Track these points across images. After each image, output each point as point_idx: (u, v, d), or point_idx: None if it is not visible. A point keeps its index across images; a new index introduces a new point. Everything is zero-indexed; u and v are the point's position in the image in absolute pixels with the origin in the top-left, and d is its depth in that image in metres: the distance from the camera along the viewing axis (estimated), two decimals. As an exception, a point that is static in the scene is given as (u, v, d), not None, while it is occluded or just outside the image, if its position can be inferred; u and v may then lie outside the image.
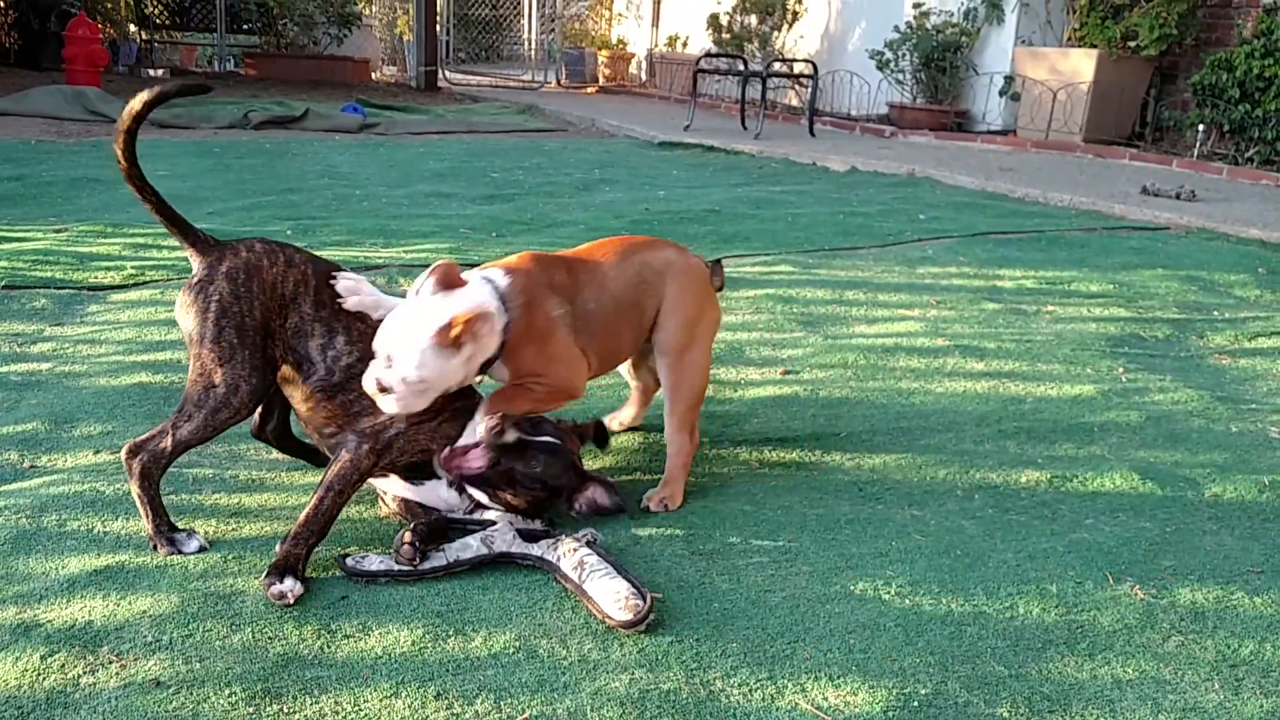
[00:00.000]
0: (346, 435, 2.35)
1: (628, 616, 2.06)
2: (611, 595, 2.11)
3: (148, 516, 2.30)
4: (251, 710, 1.80)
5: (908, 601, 2.22)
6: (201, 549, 2.29)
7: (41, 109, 9.76)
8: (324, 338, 2.38)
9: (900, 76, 11.48)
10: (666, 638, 2.05)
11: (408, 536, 2.24)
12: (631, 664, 1.97)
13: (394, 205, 6.33)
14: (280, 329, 2.35)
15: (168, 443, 2.29)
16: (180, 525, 2.35)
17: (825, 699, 1.89)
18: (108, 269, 4.49)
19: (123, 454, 2.32)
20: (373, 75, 16.38)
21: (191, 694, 1.83)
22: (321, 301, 2.39)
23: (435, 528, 2.34)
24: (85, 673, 1.88)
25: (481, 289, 2.40)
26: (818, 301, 4.51)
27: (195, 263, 2.41)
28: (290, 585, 2.13)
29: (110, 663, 1.91)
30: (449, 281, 2.38)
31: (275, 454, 2.77)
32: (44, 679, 1.86)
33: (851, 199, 7.11)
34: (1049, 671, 2.00)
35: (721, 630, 2.09)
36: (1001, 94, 10.94)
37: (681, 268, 2.71)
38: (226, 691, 1.84)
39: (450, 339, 2.25)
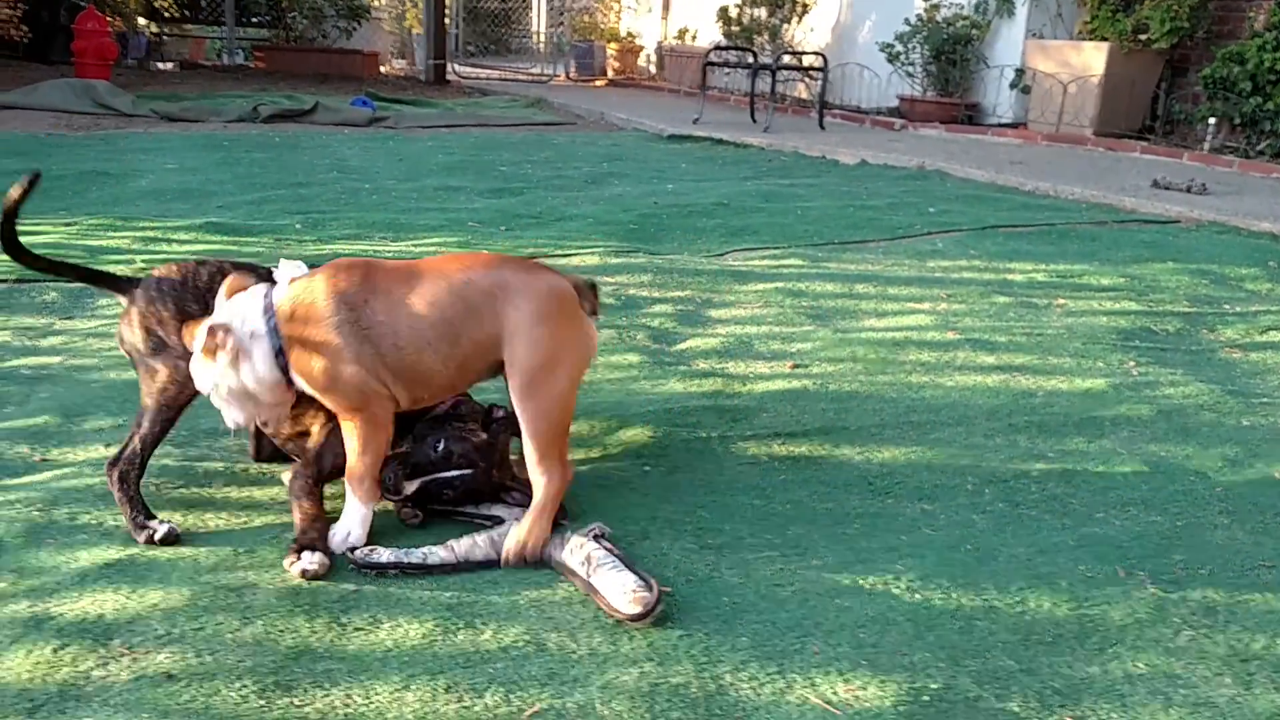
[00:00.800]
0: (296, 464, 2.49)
1: (636, 610, 2.06)
2: (619, 589, 2.11)
3: (125, 512, 2.36)
4: (263, 702, 1.81)
5: (918, 596, 2.21)
6: (170, 535, 2.31)
7: (51, 102, 9.77)
8: None
9: (911, 69, 11.44)
10: (676, 631, 2.05)
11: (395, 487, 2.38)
12: (641, 658, 1.97)
13: (403, 199, 6.33)
14: None
15: (135, 444, 2.41)
16: (160, 518, 2.37)
17: (835, 693, 1.89)
18: (117, 262, 4.50)
19: (105, 470, 2.43)
20: (382, 68, 16.38)
21: (203, 686, 1.84)
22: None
23: (416, 461, 2.41)
24: (97, 665, 1.89)
25: (251, 298, 2.35)
26: (827, 295, 4.50)
27: (123, 299, 2.50)
28: (311, 558, 2.20)
29: (122, 655, 1.92)
30: (233, 292, 2.38)
31: None
32: (56, 671, 1.87)
33: (861, 192, 7.09)
34: (1060, 666, 2.00)
35: (731, 624, 2.09)
36: (1012, 87, 10.90)
37: (525, 291, 2.34)
38: (238, 684, 1.85)
39: (201, 349, 2.28)
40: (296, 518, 2.34)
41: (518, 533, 2.31)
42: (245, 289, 2.37)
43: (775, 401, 3.25)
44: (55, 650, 1.92)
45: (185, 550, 2.27)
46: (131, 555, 2.24)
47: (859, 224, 5.99)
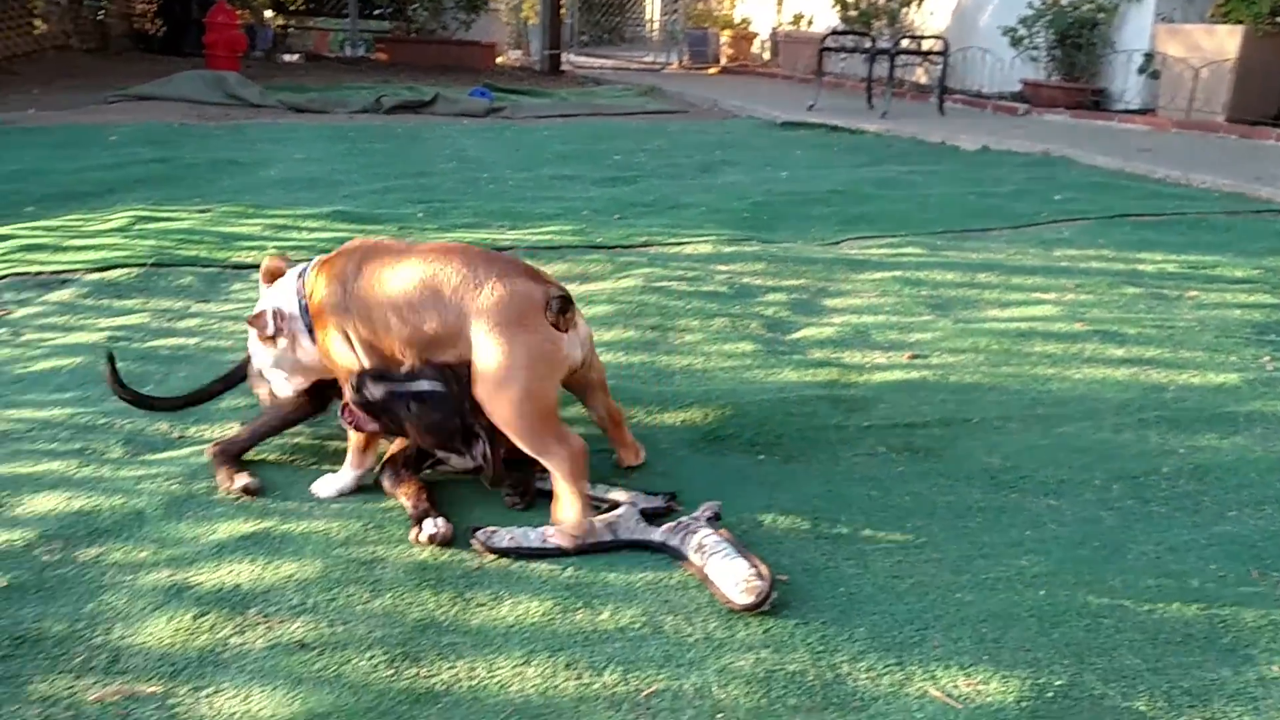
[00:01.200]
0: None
1: (749, 600, 2.07)
2: (732, 578, 2.12)
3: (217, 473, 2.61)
4: (391, 672, 1.87)
5: (1042, 592, 2.17)
6: (250, 486, 2.51)
7: (184, 93, 10.16)
8: None
9: (1034, 53, 11.13)
10: (791, 620, 2.05)
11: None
12: (757, 644, 1.98)
13: (519, 188, 6.42)
14: None
15: (244, 431, 2.73)
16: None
17: (956, 687, 1.87)
18: (250, 248, 4.67)
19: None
20: (498, 59, 16.62)
21: (335, 656, 1.91)
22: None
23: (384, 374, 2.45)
24: (234, 633, 1.98)
25: (289, 281, 2.60)
26: (947, 284, 4.42)
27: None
28: (433, 524, 2.32)
29: (258, 624, 2.00)
30: (272, 275, 2.64)
31: None
32: (195, 638, 1.96)
33: (983, 179, 6.93)
34: (1189, 666, 1.94)
35: (848, 615, 2.08)
36: (1140, 72, 10.51)
37: (491, 292, 2.34)
38: (368, 654, 1.91)
39: (262, 337, 2.58)
40: (403, 502, 2.44)
41: (560, 519, 2.31)
42: (283, 272, 2.63)
43: (893, 392, 3.21)
44: (195, 617, 2.01)
45: (318, 524, 2.36)
46: (266, 528, 2.33)
47: (981, 212, 5.86)
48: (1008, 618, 2.08)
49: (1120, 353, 3.59)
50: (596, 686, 1.85)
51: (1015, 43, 11.15)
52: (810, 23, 15.44)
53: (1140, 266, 4.78)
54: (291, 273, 2.61)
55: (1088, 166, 7.60)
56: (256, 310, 2.59)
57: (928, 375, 3.35)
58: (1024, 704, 1.82)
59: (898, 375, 3.36)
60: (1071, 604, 2.13)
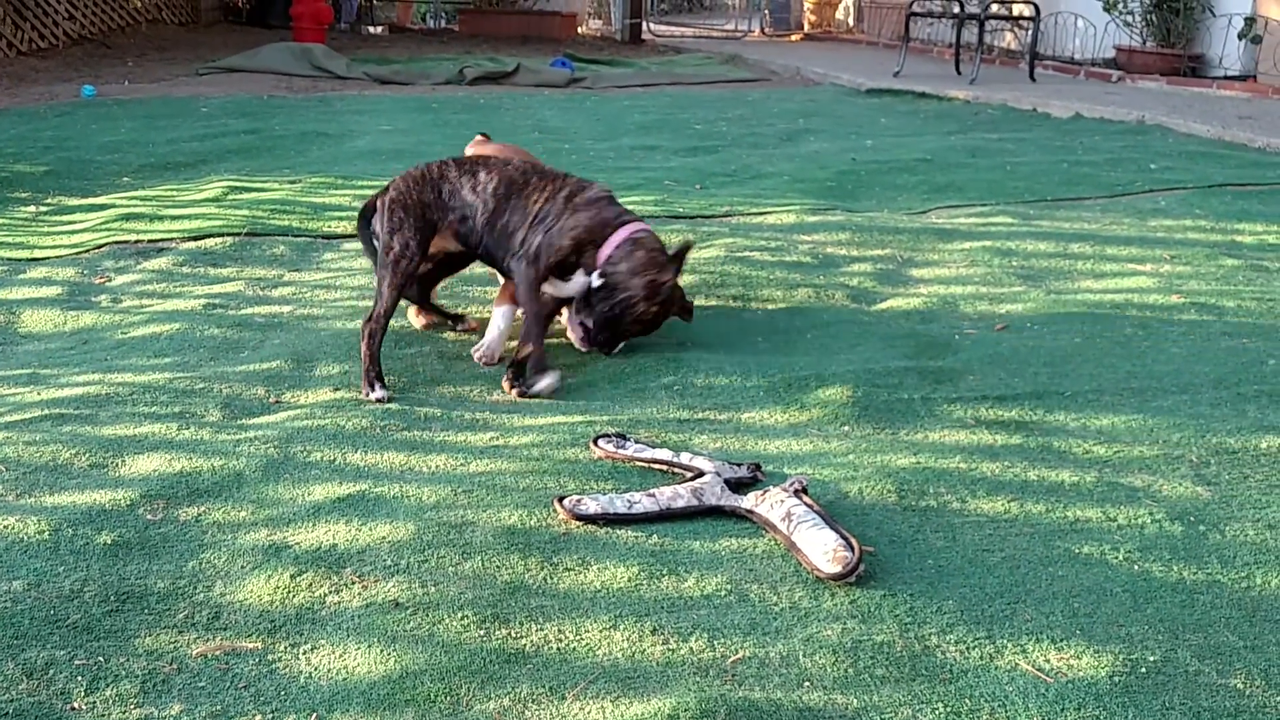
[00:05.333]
0: (509, 264, 3.18)
1: (836, 569, 2.06)
2: (820, 547, 2.11)
3: (364, 365, 2.99)
4: (482, 633, 1.90)
5: (1136, 567, 2.13)
6: (381, 399, 2.90)
7: (271, 65, 10.32)
8: (470, 181, 3.21)
9: (1129, 18, 10.77)
10: (879, 591, 2.04)
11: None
12: (844, 614, 1.97)
13: (600, 158, 6.42)
14: (436, 201, 3.20)
15: (380, 307, 3.08)
16: (385, 384, 2.96)
17: (1048, 661, 1.84)
18: (340, 218, 4.75)
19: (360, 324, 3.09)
20: (579, 29, 16.60)
21: (428, 616, 1.95)
22: (461, 168, 3.26)
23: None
24: (330, 592, 2.03)
25: None
26: (1039, 254, 4.32)
27: None
28: (549, 380, 2.93)
29: (353, 583, 2.05)
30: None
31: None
32: (293, 596, 2.02)
33: (1075, 147, 6.76)
34: (1291, 647, 1.89)
35: (936, 587, 2.06)
36: (1240, 37, 10.11)
37: None
38: (459, 615, 1.95)
39: None
40: (524, 325, 3.06)
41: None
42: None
43: (983, 364, 3.16)
44: (292, 576, 2.07)
45: (409, 488, 2.40)
46: (360, 491, 2.39)
47: (1074, 180, 5.72)
48: (1101, 592, 2.04)
49: (1218, 325, 3.49)
50: (683, 652, 1.87)
51: (1109, 7, 10.80)
52: (896, -12, 15.13)
53: (1239, 238, 4.63)
54: None
55: (1184, 135, 7.36)
56: None
57: (1019, 347, 3.29)
58: (1117, 679, 1.79)
59: (988, 347, 3.30)
60: (1166, 580, 2.09)
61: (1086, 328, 3.46)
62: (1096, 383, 3.03)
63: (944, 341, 3.37)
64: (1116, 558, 2.16)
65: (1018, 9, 11.26)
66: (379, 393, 2.93)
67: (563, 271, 3.13)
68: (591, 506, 2.30)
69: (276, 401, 2.94)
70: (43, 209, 5.00)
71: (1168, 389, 2.99)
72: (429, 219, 3.16)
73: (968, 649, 1.88)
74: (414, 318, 3.49)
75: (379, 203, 3.22)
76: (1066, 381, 3.04)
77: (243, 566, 2.11)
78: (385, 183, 3.34)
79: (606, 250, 3.12)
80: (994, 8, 11.40)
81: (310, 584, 2.05)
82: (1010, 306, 3.69)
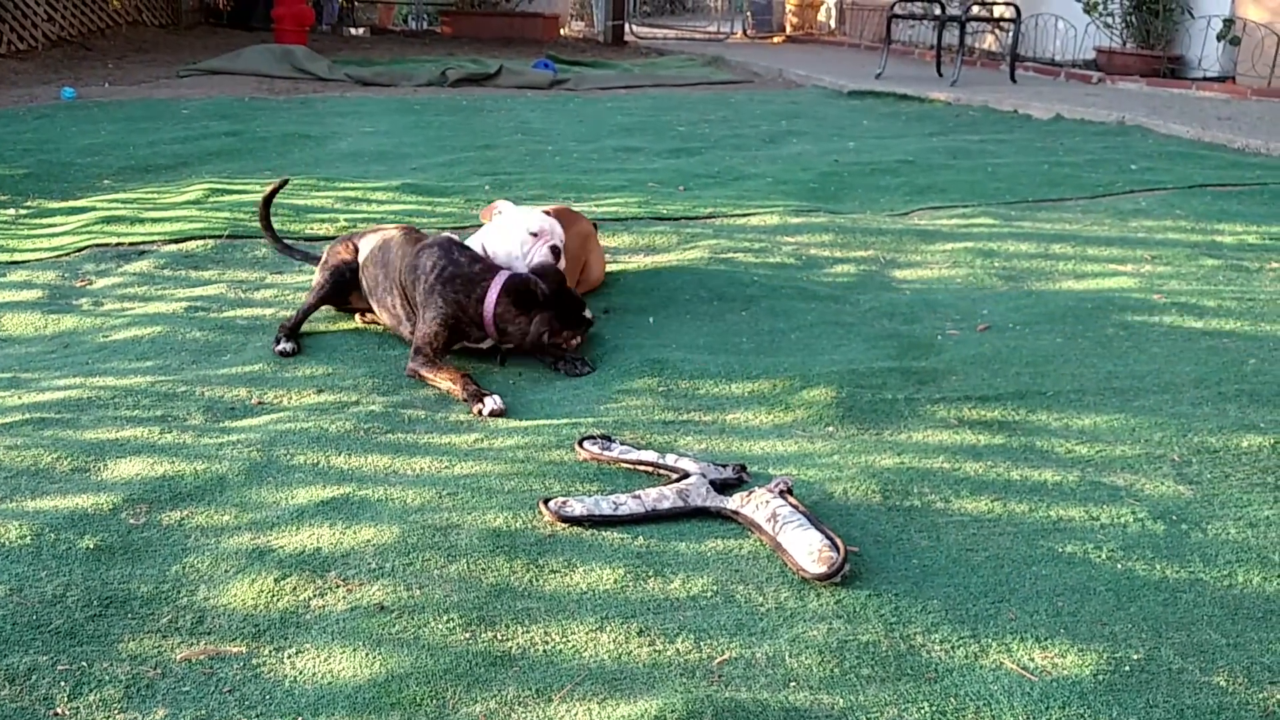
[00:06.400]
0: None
1: (821, 569, 2.07)
2: (805, 547, 2.12)
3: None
4: (468, 636, 1.90)
5: (1119, 566, 2.14)
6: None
7: (253, 67, 10.28)
8: None
9: (1109, 20, 10.85)
10: (864, 591, 2.05)
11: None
12: (829, 614, 1.98)
13: (584, 160, 6.42)
14: None
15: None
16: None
17: (1032, 660, 1.85)
18: (322, 220, 4.74)
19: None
20: (562, 31, 16.59)
21: (413, 619, 1.94)
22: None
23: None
24: (315, 595, 2.02)
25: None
26: (1021, 255, 4.35)
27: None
28: (493, 401, 2.87)
29: (338, 587, 2.04)
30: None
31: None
32: (278, 600, 2.01)
33: (1056, 148, 6.79)
34: (1271, 642, 1.91)
35: (921, 587, 2.07)
36: (1219, 38, 10.19)
37: None
38: (445, 618, 1.95)
39: None
40: (447, 385, 2.97)
41: None
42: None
43: (965, 365, 3.17)
44: (276, 580, 2.06)
45: (393, 491, 2.39)
46: (345, 494, 2.38)
47: (1055, 181, 5.75)
48: (1084, 591, 2.05)
49: (1199, 325, 3.51)
50: (669, 654, 1.87)
51: (1089, 9, 10.87)
52: (877, -10, 15.18)
53: (1219, 238, 4.66)
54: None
55: (1164, 135, 7.41)
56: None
57: (1001, 347, 3.31)
58: (1100, 677, 1.80)
59: (970, 348, 3.31)
60: (1149, 578, 2.10)
61: (1068, 328, 3.48)
62: (1078, 383, 3.05)
63: (927, 342, 3.38)
64: (1099, 557, 2.17)
65: (998, 11, 11.32)
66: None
67: None
68: (577, 508, 2.30)
69: (259, 403, 2.93)
70: (22, 212, 4.96)
71: (1149, 388, 3.01)
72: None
73: (953, 648, 1.88)
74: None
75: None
76: (1048, 381, 3.06)
77: (226, 570, 2.10)
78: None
79: None
80: (975, 10, 11.46)
81: (294, 588, 2.04)
82: (992, 307, 3.70)
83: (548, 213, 3.52)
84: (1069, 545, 2.21)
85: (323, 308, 3.50)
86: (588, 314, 3.22)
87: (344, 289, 3.46)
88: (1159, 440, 2.70)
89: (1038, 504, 2.38)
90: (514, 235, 3.37)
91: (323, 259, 3.55)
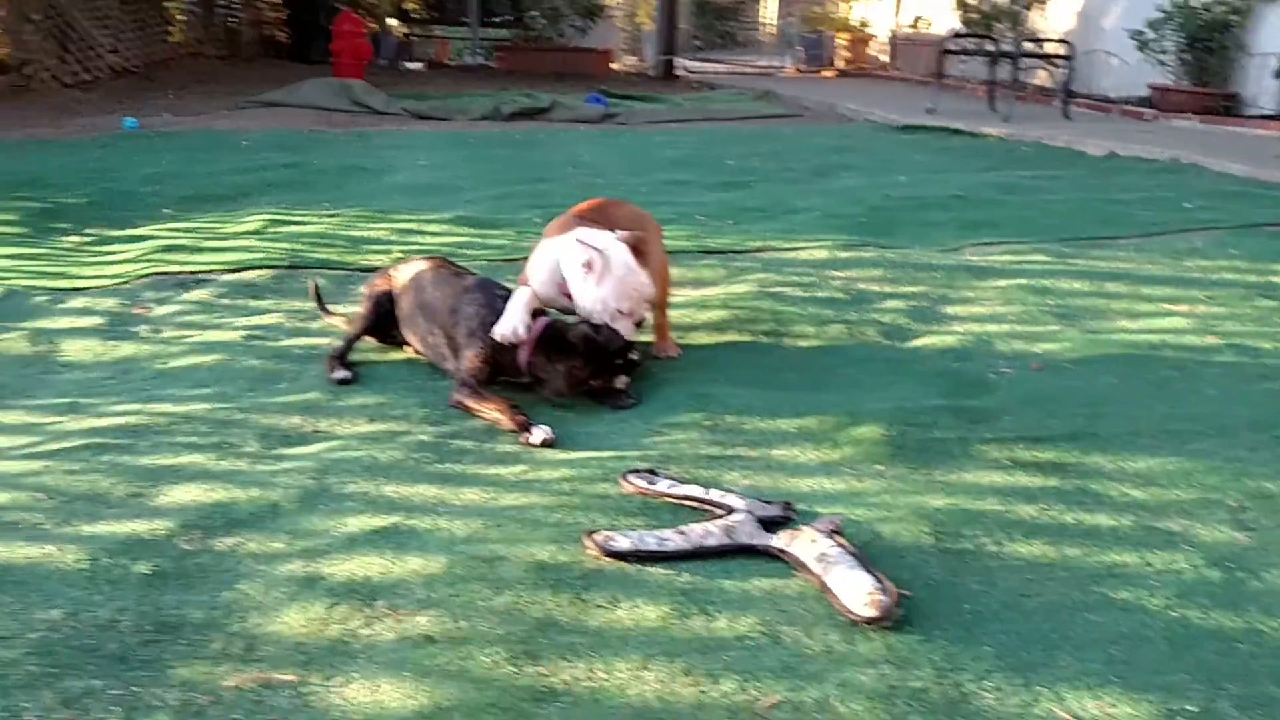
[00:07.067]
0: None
1: (872, 613, 2.04)
2: (854, 590, 2.09)
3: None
4: (513, 669, 1.90)
5: (1174, 614, 2.10)
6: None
7: (312, 100, 10.47)
8: None
9: (1163, 57, 10.75)
10: (914, 636, 2.02)
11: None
12: (879, 659, 1.96)
13: (633, 193, 6.44)
14: None
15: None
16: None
17: (1084, 709, 1.82)
18: (378, 251, 4.80)
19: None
20: (613, 65, 16.74)
21: (459, 650, 1.95)
22: None
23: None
24: (363, 624, 2.04)
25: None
26: (1075, 293, 4.30)
27: None
28: (542, 430, 2.89)
29: (386, 616, 2.06)
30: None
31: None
32: (327, 628, 2.02)
33: (1110, 185, 6.73)
34: (1335, 698, 1.86)
35: (973, 632, 2.04)
36: (1276, 76, 10.06)
37: None
38: (490, 650, 1.95)
39: None
40: (495, 415, 2.99)
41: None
42: None
43: (1018, 404, 3.14)
44: (327, 608, 2.08)
45: (441, 521, 2.41)
46: (395, 523, 2.40)
47: (1108, 219, 5.69)
48: (1139, 639, 2.02)
49: (1255, 367, 3.45)
50: (714, 695, 1.86)
51: (1142, 46, 10.79)
52: (930, 25, 15.19)
53: (1276, 279, 4.58)
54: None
55: (1219, 174, 7.32)
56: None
57: (1055, 387, 3.27)
58: (1156, 730, 1.77)
59: (1023, 387, 3.28)
60: (1205, 627, 2.06)
61: (1122, 368, 3.44)
62: (1133, 424, 3.00)
63: (979, 380, 3.35)
64: (1154, 604, 2.13)
65: (1051, 47, 11.27)
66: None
67: None
68: (622, 543, 2.30)
69: (314, 431, 2.97)
70: (84, 239, 5.09)
71: (1205, 431, 2.96)
72: None
73: (1004, 696, 1.85)
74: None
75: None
76: (1103, 423, 3.02)
77: (278, 598, 2.12)
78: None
79: None
80: (1028, 45, 11.42)
81: (344, 616, 2.06)
82: (1046, 346, 3.67)
83: (586, 214, 3.46)
84: (1123, 591, 2.18)
85: (373, 340, 3.57)
86: (634, 355, 3.22)
87: (384, 319, 3.53)
88: (1215, 485, 2.65)
89: (1092, 549, 2.34)
90: (547, 271, 3.25)
91: (365, 290, 3.63)
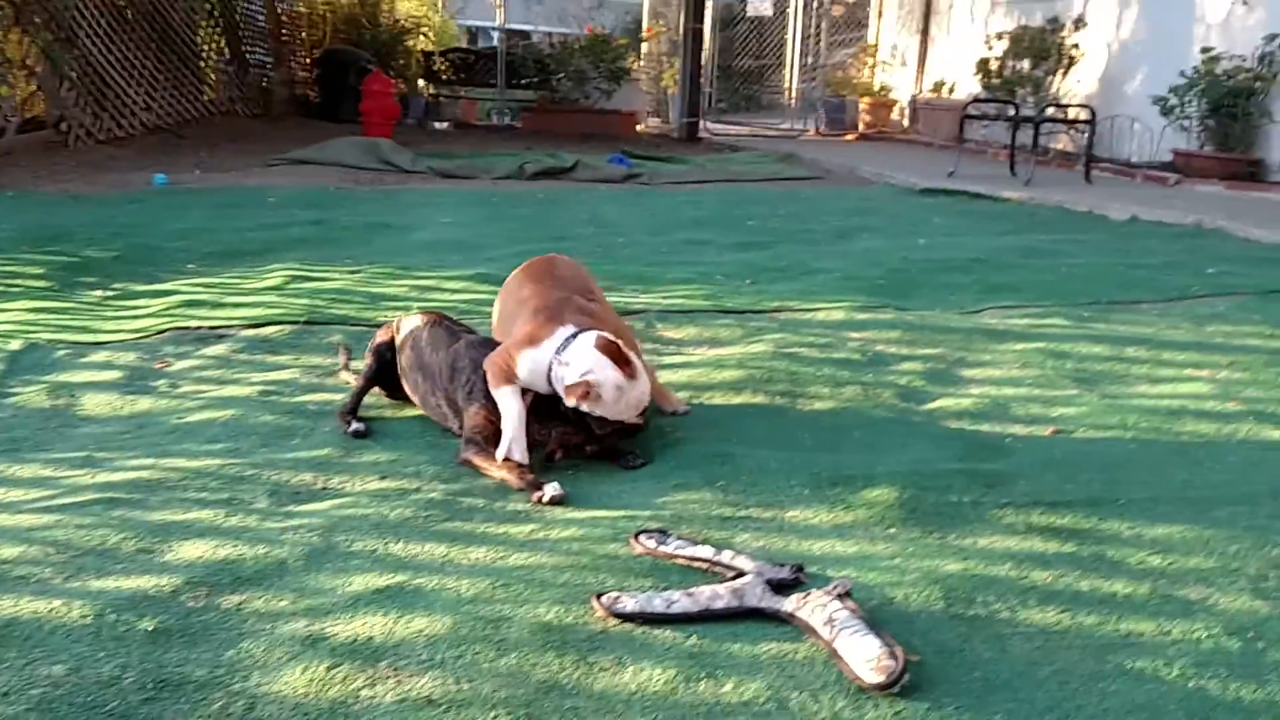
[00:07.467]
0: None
1: (879, 679, 2.01)
2: (863, 655, 2.06)
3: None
4: (514, 734, 1.88)
5: (1192, 684, 2.05)
6: (359, 432, 3.21)
7: (340, 158, 10.62)
8: None
9: (1186, 123, 10.77)
10: (923, 704, 1.98)
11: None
12: (887, 726, 1.92)
13: (653, 252, 6.49)
14: None
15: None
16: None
17: (1098, 783, 1.77)
18: (395, 307, 4.83)
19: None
20: (638, 127, 16.92)
21: (461, 713, 1.93)
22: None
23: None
24: (365, 685, 2.02)
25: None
26: (1094, 358, 4.27)
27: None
28: (553, 488, 2.88)
29: (388, 678, 2.04)
30: None
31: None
32: (328, 689, 2.00)
33: (1132, 250, 6.71)
34: (1361, 778, 1.80)
35: (984, 700, 2.00)
36: (1302, 140, 10.06)
37: None
38: (492, 714, 1.92)
39: None
40: (503, 475, 2.99)
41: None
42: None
43: (1035, 469, 3.10)
44: (328, 668, 2.06)
45: (448, 580, 2.39)
46: (400, 582, 2.38)
47: (1130, 283, 5.66)
48: (1154, 710, 1.97)
49: (1278, 434, 3.41)
50: (719, 760, 1.82)
51: (1166, 112, 10.82)
52: (951, 90, 15.30)
53: (1302, 344, 4.54)
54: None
55: (1243, 239, 7.29)
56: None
57: (1072, 452, 3.23)
58: (1173, 807, 1.72)
59: (1040, 451, 3.25)
60: (1223, 698, 2.01)
61: (1142, 434, 3.40)
62: (1152, 491, 2.96)
63: (995, 444, 3.32)
64: (1171, 674, 2.09)
65: (1074, 112, 11.32)
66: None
67: None
68: (629, 604, 2.27)
69: (324, 488, 2.97)
70: (109, 294, 5.15)
71: (1225, 499, 2.91)
72: None
73: (1014, 767, 1.81)
74: None
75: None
76: (1121, 489, 2.97)
77: (280, 657, 2.10)
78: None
79: None
80: (1049, 111, 11.47)
81: (345, 677, 2.04)
82: (1064, 410, 3.63)
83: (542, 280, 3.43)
84: (1139, 661, 2.13)
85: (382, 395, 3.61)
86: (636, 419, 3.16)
87: (387, 370, 3.56)
88: (1235, 553, 2.60)
89: (1107, 616, 2.30)
90: (531, 374, 3.13)
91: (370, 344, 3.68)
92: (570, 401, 3.06)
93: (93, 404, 3.63)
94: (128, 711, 1.92)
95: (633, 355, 3.11)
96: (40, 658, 2.06)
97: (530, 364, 3.12)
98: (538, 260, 3.63)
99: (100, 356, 4.12)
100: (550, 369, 3.10)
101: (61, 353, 4.15)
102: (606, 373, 3.03)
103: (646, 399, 3.16)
